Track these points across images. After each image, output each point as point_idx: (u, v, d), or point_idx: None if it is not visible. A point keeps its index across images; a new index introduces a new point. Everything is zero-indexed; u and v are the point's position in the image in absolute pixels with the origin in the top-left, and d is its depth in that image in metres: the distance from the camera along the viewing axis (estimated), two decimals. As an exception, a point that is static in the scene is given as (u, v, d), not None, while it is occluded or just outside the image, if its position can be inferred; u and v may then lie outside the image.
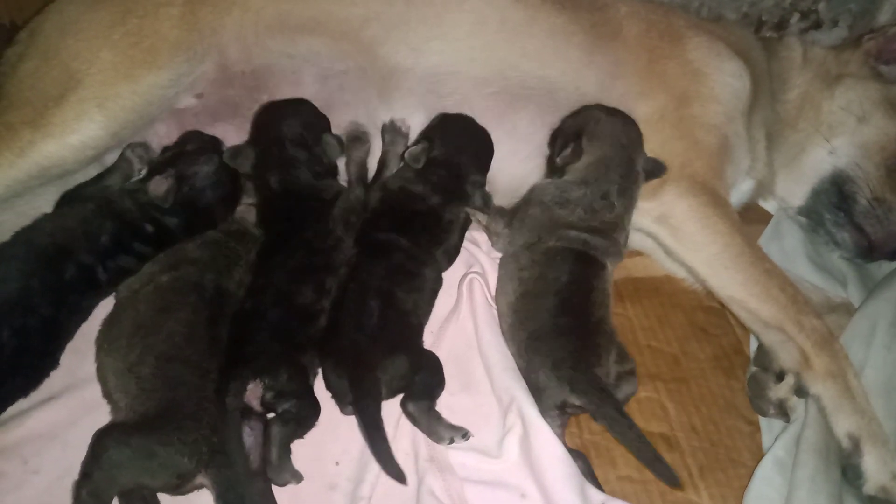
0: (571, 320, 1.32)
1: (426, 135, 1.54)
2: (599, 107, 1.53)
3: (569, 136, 1.49)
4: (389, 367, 1.24)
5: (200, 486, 1.15)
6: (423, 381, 1.27)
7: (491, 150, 1.56)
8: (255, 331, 1.27)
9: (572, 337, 1.30)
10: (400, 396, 1.28)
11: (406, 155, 1.50)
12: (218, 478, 1.12)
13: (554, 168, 1.51)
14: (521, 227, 1.47)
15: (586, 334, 1.31)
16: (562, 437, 1.28)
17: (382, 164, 1.56)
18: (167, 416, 1.13)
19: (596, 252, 1.40)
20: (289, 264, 1.35)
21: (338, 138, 1.53)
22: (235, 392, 1.18)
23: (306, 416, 1.21)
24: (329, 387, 1.27)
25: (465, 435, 1.24)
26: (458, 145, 1.52)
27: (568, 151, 1.47)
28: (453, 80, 1.60)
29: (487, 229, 1.55)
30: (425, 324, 1.40)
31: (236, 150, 1.50)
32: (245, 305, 1.32)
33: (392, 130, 1.58)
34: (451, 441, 1.24)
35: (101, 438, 1.12)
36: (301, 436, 1.21)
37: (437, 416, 1.25)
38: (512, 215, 1.50)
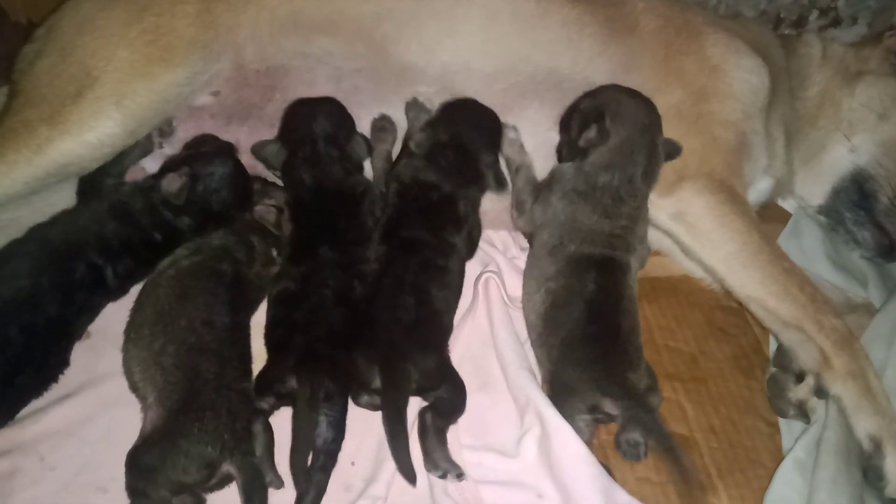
0: (601, 328, 1.30)
1: (429, 122, 1.54)
2: (618, 87, 1.51)
3: (590, 116, 1.45)
4: (421, 362, 1.24)
5: (231, 479, 1.15)
6: (449, 398, 1.25)
7: (499, 129, 1.55)
8: (320, 328, 1.27)
9: (602, 342, 1.29)
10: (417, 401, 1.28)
11: (410, 143, 1.50)
12: (243, 465, 1.13)
13: (575, 150, 1.47)
14: (544, 217, 1.45)
15: (617, 342, 1.30)
16: (589, 443, 1.26)
17: (406, 143, 1.55)
18: (186, 409, 1.14)
19: (619, 253, 1.39)
20: (336, 259, 1.36)
21: (365, 138, 1.54)
22: (313, 389, 1.18)
23: (340, 434, 1.21)
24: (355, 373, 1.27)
25: (459, 475, 1.20)
26: (462, 125, 1.51)
27: (593, 133, 1.43)
28: (466, 74, 1.59)
29: (513, 203, 1.53)
30: (451, 328, 1.38)
31: (263, 144, 1.51)
32: (308, 300, 1.31)
33: (416, 107, 1.58)
34: (444, 476, 1.20)
35: (133, 454, 1.13)
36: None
37: (444, 443, 1.22)
38: (537, 192, 1.48)
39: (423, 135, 1.49)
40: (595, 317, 1.31)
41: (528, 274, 1.45)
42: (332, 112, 1.53)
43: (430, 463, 1.21)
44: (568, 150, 1.50)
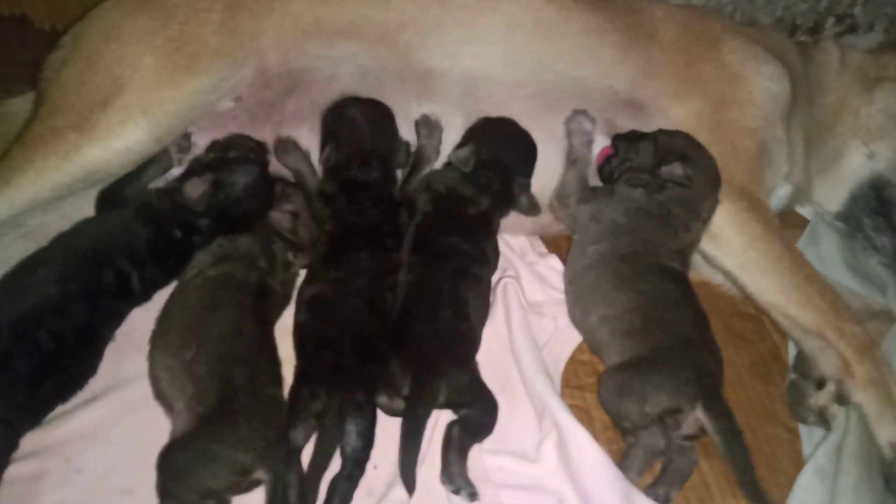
0: (704, 340, 1.33)
1: (472, 137, 1.55)
2: (688, 136, 1.53)
3: (673, 153, 1.48)
4: (455, 378, 1.25)
5: (257, 484, 1.16)
6: (480, 418, 1.26)
7: (535, 153, 1.57)
8: (351, 341, 1.27)
9: (709, 354, 1.31)
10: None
11: (452, 157, 1.51)
12: (272, 470, 1.13)
13: (650, 178, 1.48)
14: (603, 229, 1.46)
15: (718, 358, 1.32)
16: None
17: (420, 158, 1.56)
18: (220, 415, 1.15)
19: (684, 271, 1.43)
20: (375, 266, 1.37)
21: (406, 146, 1.57)
22: (341, 406, 1.20)
23: (369, 443, 1.22)
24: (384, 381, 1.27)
25: (472, 495, 1.21)
26: (505, 148, 1.53)
27: (679, 171, 1.45)
28: (489, 83, 1.60)
29: (557, 193, 1.55)
30: (480, 342, 1.38)
31: (327, 152, 1.52)
32: (342, 310, 1.31)
33: (427, 124, 1.59)
34: (457, 492, 1.21)
35: (164, 456, 1.14)
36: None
37: (464, 460, 1.23)
38: (586, 194, 1.51)
39: (467, 151, 1.50)
40: (700, 326, 1.34)
41: (592, 272, 1.43)
42: (385, 119, 1.55)
43: (447, 476, 1.22)
44: (635, 175, 1.50)
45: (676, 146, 1.50)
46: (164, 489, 1.11)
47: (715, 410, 1.23)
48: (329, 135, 1.54)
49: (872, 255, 1.75)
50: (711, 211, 1.48)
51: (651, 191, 1.47)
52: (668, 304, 1.35)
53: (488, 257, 1.44)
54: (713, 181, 1.48)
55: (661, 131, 1.54)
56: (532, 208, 1.53)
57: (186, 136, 1.56)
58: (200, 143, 1.59)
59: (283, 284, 1.41)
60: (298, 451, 1.20)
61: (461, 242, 1.41)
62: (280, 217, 1.50)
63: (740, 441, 1.22)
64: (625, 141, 1.54)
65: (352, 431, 1.19)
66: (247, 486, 1.16)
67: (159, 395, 1.25)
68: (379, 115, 1.55)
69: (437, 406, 1.25)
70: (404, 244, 1.45)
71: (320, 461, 1.17)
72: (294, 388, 1.25)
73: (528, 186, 1.54)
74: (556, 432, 1.30)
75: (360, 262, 1.37)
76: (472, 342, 1.34)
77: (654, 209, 1.45)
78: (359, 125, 1.52)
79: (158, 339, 1.29)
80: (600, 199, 1.49)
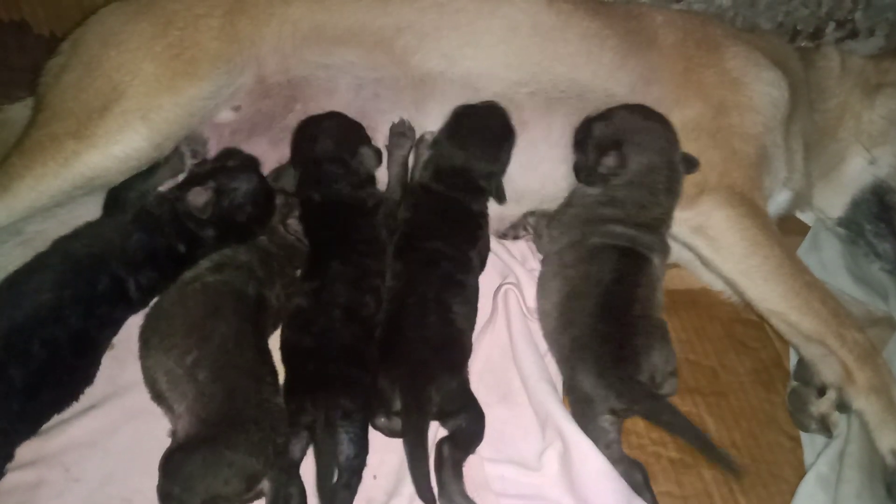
0: (612, 325, 1.31)
1: (435, 138, 1.55)
2: (630, 109, 1.51)
3: (607, 144, 1.47)
4: (446, 384, 1.24)
5: (260, 496, 1.15)
6: (468, 427, 1.25)
7: (503, 136, 1.55)
8: (331, 349, 1.27)
9: (614, 345, 1.29)
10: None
11: (420, 164, 1.54)
12: (277, 480, 1.13)
13: (595, 177, 1.48)
14: (562, 226, 1.48)
15: (626, 338, 1.30)
16: (618, 443, 1.27)
17: (389, 164, 1.58)
18: (229, 422, 1.14)
19: (642, 248, 1.41)
20: (348, 273, 1.36)
21: (375, 148, 1.55)
22: (328, 414, 1.19)
23: (363, 450, 1.21)
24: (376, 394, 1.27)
25: None
26: (463, 144, 1.52)
27: (612, 161, 1.45)
28: (486, 86, 1.60)
29: (533, 231, 1.59)
30: (471, 349, 1.38)
31: (279, 173, 1.53)
32: (318, 321, 1.31)
33: (397, 132, 1.59)
34: None
35: (171, 456, 1.13)
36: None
37: (460, 476, 1.21)
38: (553, 216, 1.52)
39: (427, 156, 1.53)
40: (607, 311, 1.32)
41: (546, 263, 1.48)
42: (334, 129, 1.53)
43: (445, 497, 1.20)
44: (587, 175, 1.50)
45: (610, 133, 1.48)
46: (166, 494, 1.10)
47: (625, 398, 1.25)
48: (290, 159, 1.55)
49: (874, 261, 1.75)
50: (672, 179, 1.46)
51: (604, 186, 1.47)
52: (587, 293, 1.35)
53: (472, 263, 1.44)
54: (661, 148, 1.46)
55: (596, 119, 1.52)
56: (499, 197, 1.53)
57: (203, 142, 1.56)
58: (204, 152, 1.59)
59: (279, 299, 1.40)
60: (296, 464, 1.20)
61: (444, 247, 1.41)
62: (296, 224, 1.49)
63: (669, 408, 1.24)
64: (577, 141, 1.55)
65: (343, 440, 1.18)
66: (249, 498, 1.15)
67: (157, 397, 1.25)
68: (326, 125, 1.53)
69: (431, 416, 1.24)
70: (389, 250, 1.45)
71: (322, 472, 1.17)
72: (285, 403, 1.24)
73: (494, 174, 1.53)
74: (559, 441, 1.29)
75: (330, 270, 1.36)
76: (461, 348, 1.33)
77: (603, 198, 1.46)
78: (304, 140, 1.52)
79: (155, 339, 1.27)
80: (560, 210, 1.53)
